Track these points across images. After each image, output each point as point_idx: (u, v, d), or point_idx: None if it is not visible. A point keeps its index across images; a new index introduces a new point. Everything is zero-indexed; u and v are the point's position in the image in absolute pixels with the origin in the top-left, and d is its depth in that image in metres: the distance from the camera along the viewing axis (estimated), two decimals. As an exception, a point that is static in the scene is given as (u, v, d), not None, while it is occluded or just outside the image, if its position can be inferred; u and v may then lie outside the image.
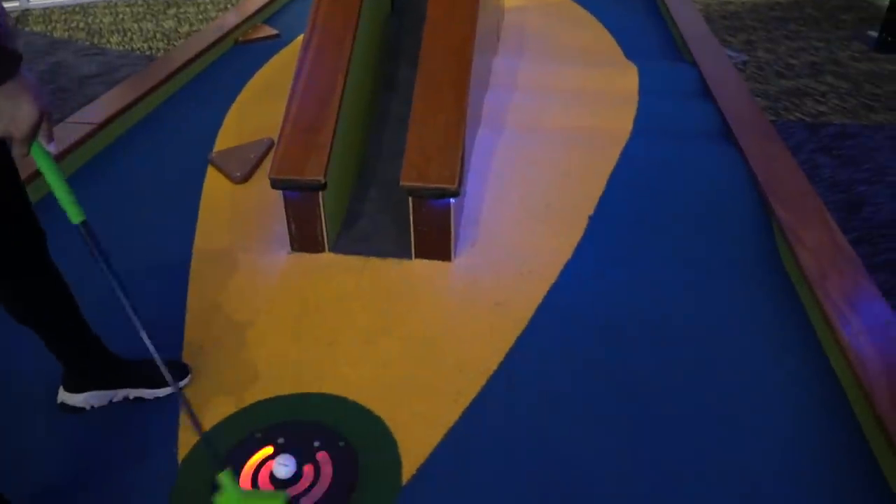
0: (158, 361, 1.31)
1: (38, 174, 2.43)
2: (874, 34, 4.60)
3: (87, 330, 1.60)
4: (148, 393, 1.69)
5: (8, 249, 1.36)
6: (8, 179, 1.33)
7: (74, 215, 1.21)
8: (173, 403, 1.71)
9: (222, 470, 1.37)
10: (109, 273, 1.25)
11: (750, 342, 1.90)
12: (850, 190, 2.97)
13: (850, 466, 1.56)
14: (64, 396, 1.66)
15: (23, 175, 1.41)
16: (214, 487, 1.47)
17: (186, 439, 1.62)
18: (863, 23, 4.99)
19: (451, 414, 1.68)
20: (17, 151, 1.05)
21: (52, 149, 1.11)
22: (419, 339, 1.92)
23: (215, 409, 1.69)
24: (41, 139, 1.08)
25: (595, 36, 4.13)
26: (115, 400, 1.68)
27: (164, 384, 1.71)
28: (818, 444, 1.61)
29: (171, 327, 1.96)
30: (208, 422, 1.66)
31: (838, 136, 3.42)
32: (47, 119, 1.06)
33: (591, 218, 2.39)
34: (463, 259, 2.22)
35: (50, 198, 2.03)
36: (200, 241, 2.34)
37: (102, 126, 2.90)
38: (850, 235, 2.64)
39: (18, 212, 1.35)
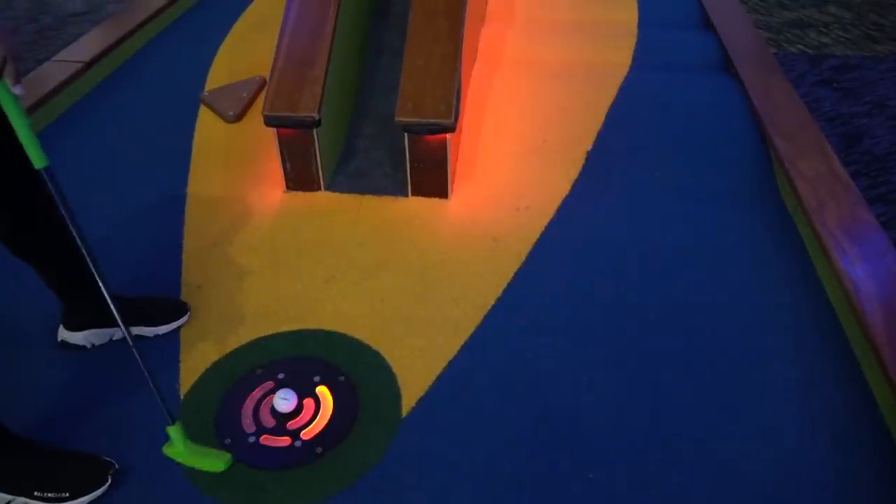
0: (110, 304, 1.30)
1: (29, 110, 2.41)
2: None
3: (85, 266, 1.60)
4: (148, 330, 1.71)
5: (3, 183, 1.35)
6: None
7: (37, 160, 1.18)
8: (174, 341, 1.72)
9: (172, 424, 1.40)
10: (70, 221, 1.24)
11: (747, 273, 1.91)
12: (850, 122, 2.93)
13: (846, 397, 1.59)
14: (64, 335, 1.67)
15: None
16: (216, 421, 1.50)
17: (188, 376, 1.64)
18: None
19: (449, 348, 1.70)
20: None
21: (19, 91, 1.10)
22: (417, 275, 1.92)
23: (215, 347, 1.71)
24: (7, 80, 1.07)
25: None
26: (115, 338, 1.70)
27: (163, 321, 1.72)
28: (814, 373, 1.64)
29: (168, 267, 1.96)
30: (208, 358, 1.68)
31: (840, 68, 3.36)
32: (12, 61, 1.06)
33: (589, 153, 2.37)
34: (460, 195, 2.21)
35: (43, 135, 1.99)
36: (195, 182, 2.32)
37: (90, 65, 2.83)
38: (849, 168, 2.62)
39: (11, 148, 1.34)
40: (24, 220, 1.43)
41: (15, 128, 1.14)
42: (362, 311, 1.81)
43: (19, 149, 1.33)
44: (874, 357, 1.58)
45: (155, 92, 2.85)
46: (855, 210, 2.00)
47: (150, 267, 1.98)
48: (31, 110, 2.49)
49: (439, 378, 1.63)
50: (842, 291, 1.75)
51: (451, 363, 1.66)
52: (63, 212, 1.22)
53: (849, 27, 3.76)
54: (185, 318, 1.76)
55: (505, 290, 1.87)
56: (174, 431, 1.41)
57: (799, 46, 3.58)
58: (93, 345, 1.68)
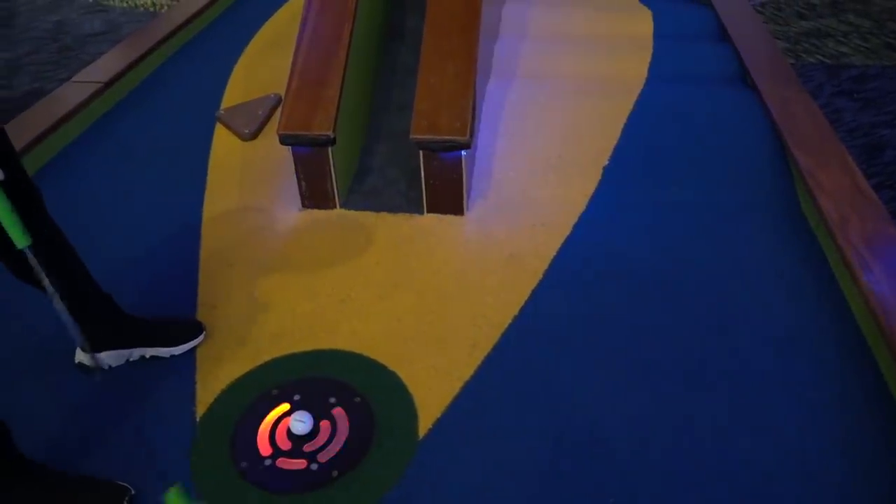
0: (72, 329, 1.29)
1: (32, 145, 2.43)
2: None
3: (96, 291, 1.60)
4: (164, 351, 1.70)
5: None
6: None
7: (20, 240, 1.20)
8: (190, 361, 1.72)
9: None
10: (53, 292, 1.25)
11: (769, 290, 1.87)
12: (872, 133, 2.89)
13: (873, 417, 1.55)
14: (81, 357, 1.67)
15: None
16: (233, 444, 1.49)
17: (204, 397, 1.63)
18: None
19: (466, 367, 1.68)
20: None
21: (1, 175, 1.15)
22: (433, 294, 1.91)
23: (230, 367, 1.70)
24: None
25: (607, -21, 3.99)
26: (131, 359, 1.70)
27: (179, 342, 1.71)
28: (838, 391, 1.60)
29: (184, 286, 1.96)
30: (224, 379, 1.67)
31: (859, 78, 3.32)
32: None
33: (605, 168, 2.35)
34: (475, 212, 2.19)
35: (51, 165, 1.98)
36: (211, 200, 2.32)
37: (108, 85, 2.86)
38: (871, 180, 2.57)
39: (14, 171, 1.35)
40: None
41: None
42: (378, 331, 1.79)
43: (15, 174, 1.34)
44: (902, 376, 1.54)
45: (171, 111, 2.87)
46: (879, 224, 1.96)
47: (166, 286, 1.98)
48: (50, 131, 2.51)
49: (456, 398, 1.61)
50: (867, 309, 1.71)
51: (468, 383, 1.64)
52: (48, 284, 1.23)
53: (868, 36, 3.72)
54: (200, 338, 1.75)
55: (522, 308, 1.85)
56: (175, 495, 1.25)
57: (817, 57, 3.54)
58: (109, 366, 1.68)
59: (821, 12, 4.03)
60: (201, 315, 1.86)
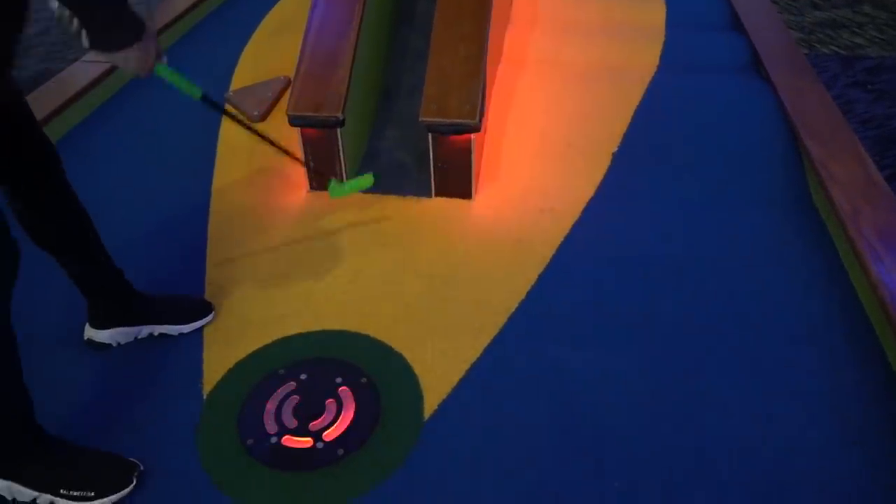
0: None
1: (52, 115, 2.45)
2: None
3: (109, 262, 1.61)
4: (172, 329, 1.71)
5: (24, 164, 1.40)
6: (19, 110, 1.37)
7: (195, 92, 1.69)
8: (197, 340, 1.72)
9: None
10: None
11: (779, 281, 1.86)
12: (885, 125, 2.86)
13: (877, 403, 1.54)
14: (90, 333, 1.68)
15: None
16: (239, 422, 1.50)
17: (211, 376, 1.64)
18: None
19: (472, 351, 1.68)
20: (143, 76, 1.44)
21: (164, 59, 1.52)
22: (440, 277, 1.90)
23: (238, 347, 1.71)
24: (164, 60, 1.52)
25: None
26: (140, 336, 1.70)
27: (187, 320, 1.72)
28: (849, 384, 1.59)
29: (192, 267, 1.97)
30: (232, 358, 1.68)
31: (874, 69, 3.29)
32: (160, 52, 1.47)
33: (614, 155, 2.34)
34: (484, 196, 2.19)
35: (59, 145, 2.01)
36: (219, 181, 2.32)
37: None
38: (884, 172, 2.54)
39: (31, 133, 1.42)
40: (39, 205, 1.44)
41: (171, 81, 1.62)
42: (385, 313, 1.79)
43: (34, 135, 1.37)
44: (911, 367, 1.54)
45: (179, 93, 2.86)
46: (891, 215, 1.95)
47: (175, 266, 1.98)
48: (59, 110, 2.52)
49: (462, 381, 1.61)
50: (877, 300, 1.70)
51: (473, 366, 1.64)
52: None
53: (884, 28, 3.68)
54: (209, 318, 1.76)
55: (528, 293, 1.85)
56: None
57: (832, 47, 3.50)
58: (118, 343, 1.69)
59: (836, 3, 3.99)
60: (209, 295, 1.86)
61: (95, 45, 1.26)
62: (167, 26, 3.21)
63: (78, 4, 1.20)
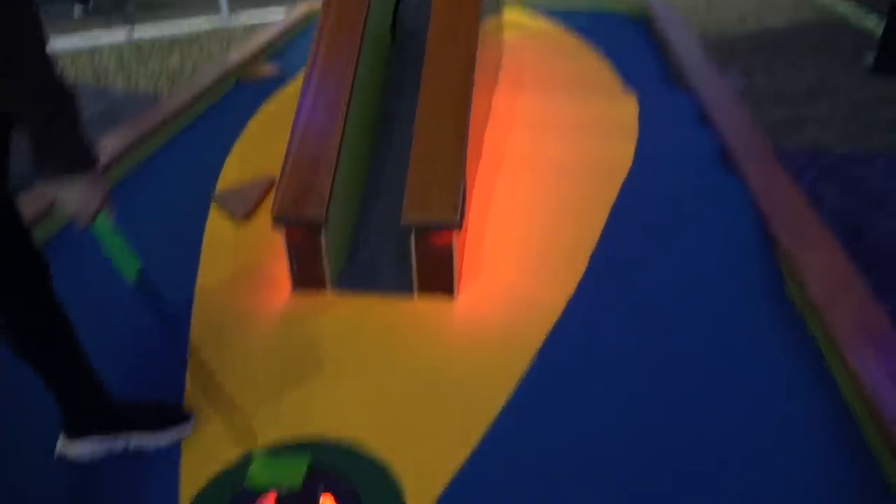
0: None
1: (43, 215, 2.47)
2: (869, 59, 4.62)
3: (90, 372, 1.59)
4: (149, 441, 1.67)
5: (10, 282, 1.38)
6: (9, 218, 1.37)
7: (131, 271, 1.46)
8: (174, 455, 1.68)
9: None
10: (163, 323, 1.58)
11: (759, 376, 1.87)
12: (854, 217, 2.95)
13: (863, 499, 1.52)
14: (64, 446, 1.63)
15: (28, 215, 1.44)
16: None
17: (188, 488, 1.59)
18: (856, 50, 5.01)
19: (457, 456, 1.65)
20: (81, 224, 1.33)
21: (112, 217, 1.40)
22: (423, 379, 1.89)
23: (220, 456, 1.67)
24: (105, 213, 1.37)
25: (593, 66, 4.16)
26: (115, 450, 1.65)
27: (165, 430, 1.68)
28: (835, 480, 1.57)
29: (172, 370, 1.95)
30: (212, 469, 1.63)
31: (839, 162, 3.42)
32: (109, 200, 1.37)
33: (594, 251, 2.38)
34: (466, 294, 2.21)
35: (59, 238, 2.03)
36: (203, 282, 2.33)
37: (106, 168, 2.91)
38: (855, 263, 2.61)
39: (20, 246, 1.40)
40: (25, 322, 1.43)
41: (107, 247, 1.43)
42: (367, 418, 1.77)
43: (22, 248, 1.37)
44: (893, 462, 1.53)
45: (168, 193, 2.92)
46: (865, 307, 1.98)
47: (155, 371, 1.96)
48: (43, 215, 2.54)
49: (446, 490, 1.57)
50: (857, 393, 1.71)
51: (458, 473, 1.61)
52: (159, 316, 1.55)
53: (844, 122, 3.85)
54: (188, 427, 1.72)
55: (513, 394, 1.84)
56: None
57: (797, 141, 3.65)
58: (92, 457, 1.64)
59: (799, 100, 4.19)
60: (189, 401, 1.83)
61: (40, 164, 1.19)
62: (156, 129, 3.29)
63: (35, 115, 1.14)
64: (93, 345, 1.63)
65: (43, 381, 1.55)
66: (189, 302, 2.23)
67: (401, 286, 2.23)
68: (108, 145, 3.12)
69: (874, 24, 5.50)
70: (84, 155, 1.22)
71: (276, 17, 5.84)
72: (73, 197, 1.23)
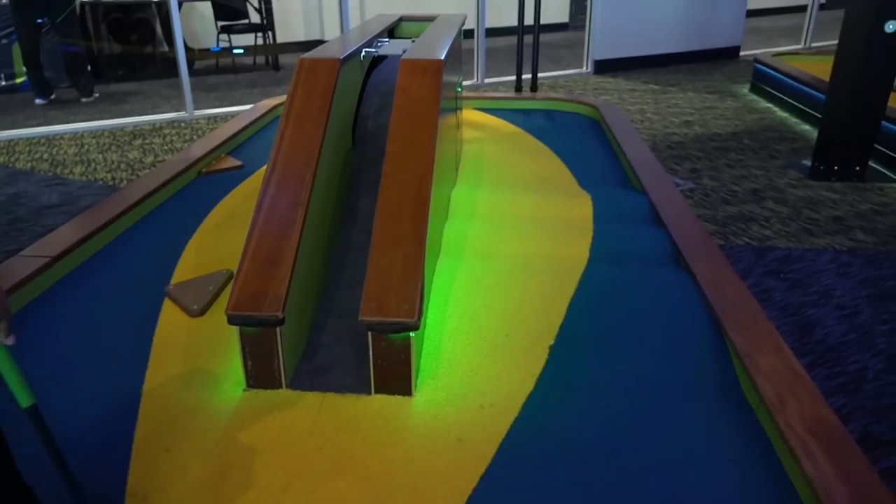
0: None
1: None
2: (807, 163, 4.91)
3: (18, 480, 1.50)
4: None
5: None
6: None
7: (24, 399, 1.35)
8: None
9: None
10: (54, 460, 1.40)
11: (720, 474, 1.86)
12: (800, 313, 3.05)
13: None
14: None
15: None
16: None
17: None
18: (796, 153, 5.33)
19: (412, 565, 1.59)
20: None
21: (11, 341, 1.28)
22: (378, 481, 1.84)
23: (157, 568, 1.57)
24: (0, 335, 1.26)
25: (550, 165, 4.32)
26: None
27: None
28: (794, 586, 1.55)
29: (114, 472, 1.85)
30: (149, 583, 1.53)
31: (784, 259, 3.56)
32: (6, 319, 1.26)
33: (552, 347, 2.40)
34: (423, 393, 2.18)
35: None
36: (151, 379, 2.26)
37: (57, 259, 2.86)
38: (804, 359, 2.69)
39: None
40: None
41: (2, 372, 1.31)
42: (319, 524, 1.70)
43: None
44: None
45: (119, 285, 2.86)
46: (815, 406, 2.02)
47: (94, 473, 1.86)
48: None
49: None
50: (813, 495, 1.71)
51: (413, 584, 1.54)
52: (48, 450, 1.40)
53: (787, 221, 4.04)
54: (125, 536, 1.63)
55: (471, 496, 1.79)
56: None
57: (744, 238, 3.80)
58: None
59: (743, 198, 4.40)
60: (129, 507, 1.74)
61: None
62: (113, 220, 3.27)
63: None
64: (34, 445, 1.55)
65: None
66: (136, 399, 2.15)
67: (358, 385, 2.20)
68: (62, 235, 3.07)
69: (809, 130, 5.88)
70: None
71: (239, 111, 5.97)
72: None
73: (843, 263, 3.51)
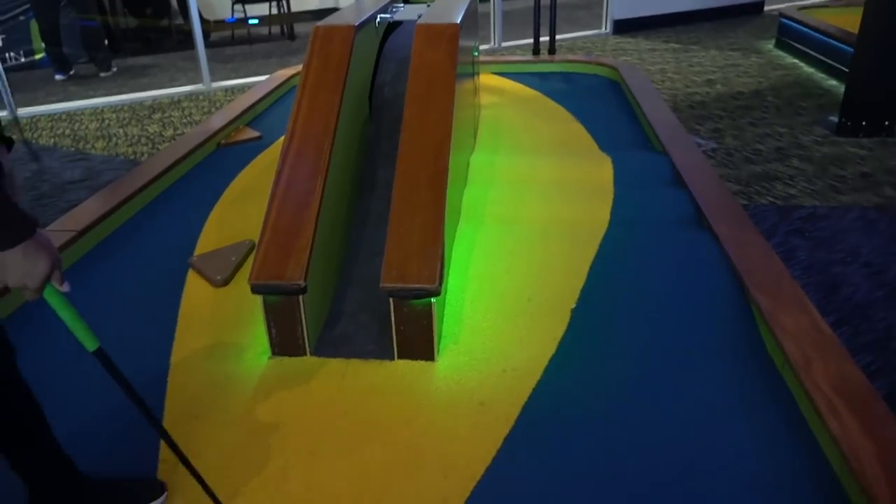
0: None
1: (5, 289, 2.43)
2: (834, 119, 4.79)
3: (57, 451, 1.55)
4: (120, 518, 1.62)
5: None
6: None
7: (90, 343, 1.37)
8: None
9: None
10: (129, 396, 1.44)
11: (743, 435, 1.86)
12: (826, 271, 3.00)
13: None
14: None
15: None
16: None
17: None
18: (822, 109, 5.20)
19: (438, 525, 1.62)
20: (28, 296, 1.21)
21: (66, 288, 1.27)
22: (402, 445, 1.86)
23: (191, 531, 1.62)
24: (54, 283, 1.25)
25: (569, 129, 4.27)
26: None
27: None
28: (818, 542, 1.56)
29: (146, 441, 1.90)
30: (183, 545, 1.58)
31: (810, 217, 3.50)
32: (58, 268, 1.23)
33: (573, 311, 2.39)
34: (446, 358, 2.19)
35: (22, 315, 2.00)
36: (179, 349, 2.30)
37: (82, 233, 2.90)
38: (830, 317, 2.65)
39: None
40: None
41: (62, 318, 1.32)
42: (346, 488, 1.73)
43: None
44: (881, 525, 1.52)
45: (144, 259, 2.90)
46: (841, 364, 2.00)
47: (127, 442, 1.91)
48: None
49: (428, 561, 1.53)
50: (838, 454, 1.71)
51: (440, 543, 1.57)
52: (121, 387, 1.45)
53: (813, 179, 3.96)
54: (161, 500, 1.67)
55: (494, 458, 1.81)
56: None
57: (768, 198, 3.74)
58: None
59: (767, 157, 4.31)
60: (162, 473, 1.79)
61: None
62: (135, 194, 3.30)
63: None
64: (66, 419, 1.59)
65: (9, 463, 1.50)
66: (164, 370, 2.19)
67: (381, 351, 2.22)
68: (86, 209, 3.11)
69: (836, 85, 5.73)
70: (14, 224, 1.13)
71: (256, 82, 5.95)
72: (8, 272, 1.14)
73: (870, 220, 3.44)
